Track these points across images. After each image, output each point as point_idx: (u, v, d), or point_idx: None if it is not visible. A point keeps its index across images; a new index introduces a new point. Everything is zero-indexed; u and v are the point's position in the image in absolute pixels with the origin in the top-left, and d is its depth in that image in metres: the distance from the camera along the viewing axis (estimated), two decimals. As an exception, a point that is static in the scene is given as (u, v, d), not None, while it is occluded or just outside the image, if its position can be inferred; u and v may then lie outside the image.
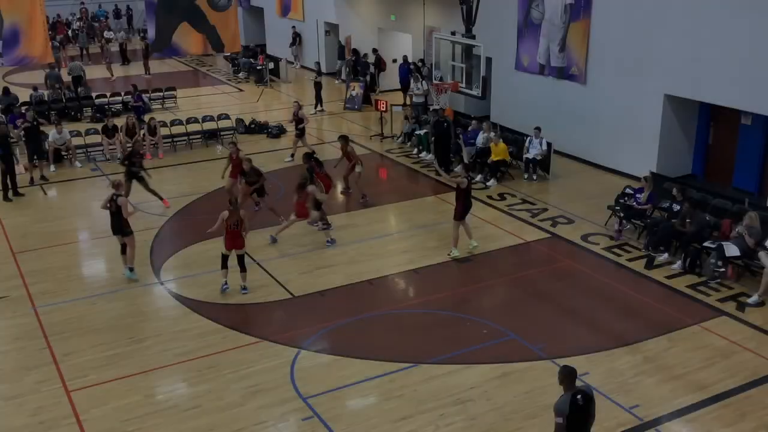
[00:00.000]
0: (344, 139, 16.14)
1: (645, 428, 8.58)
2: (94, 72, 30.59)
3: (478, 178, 17.15)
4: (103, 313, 11.37)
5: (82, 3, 42.08)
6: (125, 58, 33.36)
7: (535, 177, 17.16)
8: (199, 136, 20.87)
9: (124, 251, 12.42)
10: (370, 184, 17.58)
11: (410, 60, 24.50)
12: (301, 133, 18.87)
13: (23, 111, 20.26)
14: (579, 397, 6.71)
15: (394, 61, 25.57)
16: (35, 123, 18.00)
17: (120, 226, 12.18)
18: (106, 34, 36.35)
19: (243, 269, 11.88)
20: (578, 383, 6.87)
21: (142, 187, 15.59)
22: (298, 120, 18.84)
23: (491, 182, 16.85)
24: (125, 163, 15.76)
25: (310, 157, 14.89)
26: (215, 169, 16.94)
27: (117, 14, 43.44)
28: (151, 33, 21.21)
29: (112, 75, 30.53)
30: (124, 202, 12.10)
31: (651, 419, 8.71)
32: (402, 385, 9.42)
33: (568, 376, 6.79)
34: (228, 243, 11.81)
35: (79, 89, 24.82)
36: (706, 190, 14.43)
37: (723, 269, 12.00)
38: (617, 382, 9.44)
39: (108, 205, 12.13)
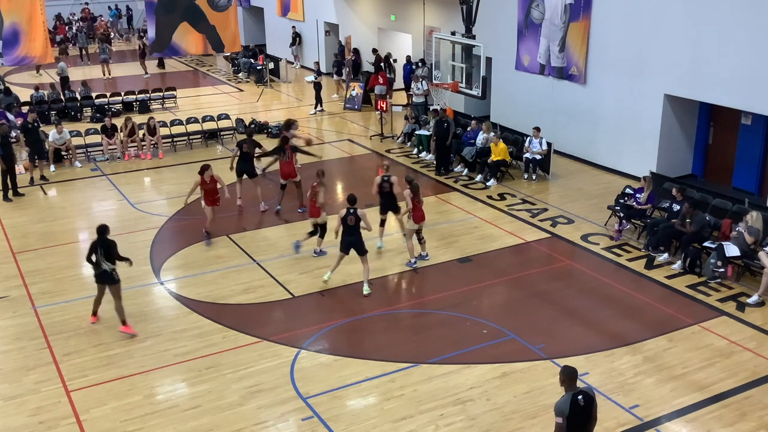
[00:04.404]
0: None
1: (645, 428, 8.58)
2: (97, 72, 30.59)
3: (478, 178, 17.19)
4: (103, 313, 11.34)
5: (86, 3, 42.03)
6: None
7: (535, 177, 17.15)
8: (199, 136, 20.86)
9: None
10: (369, 184, 17.55)
11: (412, 60, 24.50)
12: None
13: (24, 111, 20.26)
14: (580, 397, 6.71)
15: (395, 60, 25.54)
16: (36, 125, 17.96)
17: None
18: (143, 34, 35.91)
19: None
20: (579, 384, 6.86)
21: None
22: None
23: (491, 182, 16.85)
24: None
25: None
26: (215, 169, 16.82)
27: (117, 14, 43.43)
28: (151, 33, 21.19)
29: (105, 74, 30.31)
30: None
31: (651, 419, 8.71)
32: (402, 385, 9.42)
33: (569, 376, 6.78)
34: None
35: (68, 91, 24.65)
36: (706, 190, 14.41)
37: (723, 269, 12.01)
38: (617, 382, 9.44)
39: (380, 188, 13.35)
